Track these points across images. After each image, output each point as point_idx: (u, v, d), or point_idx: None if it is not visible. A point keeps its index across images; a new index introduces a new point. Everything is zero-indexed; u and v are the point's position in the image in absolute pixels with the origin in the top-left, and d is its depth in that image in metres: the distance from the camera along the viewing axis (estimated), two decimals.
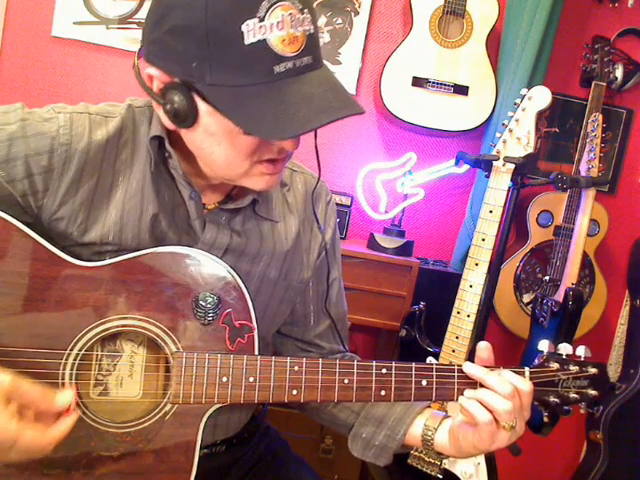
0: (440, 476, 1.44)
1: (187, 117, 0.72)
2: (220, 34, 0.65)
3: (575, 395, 0.86)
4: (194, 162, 0.82)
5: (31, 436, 0.64)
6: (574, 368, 0.86)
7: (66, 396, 0.68)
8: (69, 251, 0.78)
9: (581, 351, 0.88)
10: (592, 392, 0.87)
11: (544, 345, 0.88)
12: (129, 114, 0.83)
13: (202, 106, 0.71)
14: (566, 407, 0.87)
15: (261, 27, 0.65)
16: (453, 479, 1.49)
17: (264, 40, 0.66)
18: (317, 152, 0.87)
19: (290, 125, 0.67)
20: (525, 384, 0.80)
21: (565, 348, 0.88)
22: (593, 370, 0.87)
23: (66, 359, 0.74)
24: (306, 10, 0.69)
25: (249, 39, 0.65)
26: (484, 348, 0.85)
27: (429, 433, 0.88)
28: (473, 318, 1.52)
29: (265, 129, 0.67)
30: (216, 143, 0.74)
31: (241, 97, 0.68)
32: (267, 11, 0.65)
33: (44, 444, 0.65)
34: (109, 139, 0.81)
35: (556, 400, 0.85)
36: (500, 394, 0.77)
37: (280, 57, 0.67)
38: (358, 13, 2.11)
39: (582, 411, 0.89)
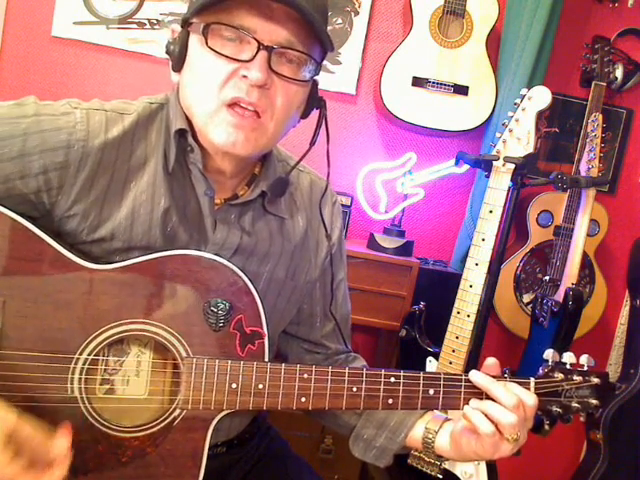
0: (440, 476, 1.44)
1: (181, 57, 0.79)
2: None
3: (577, 405, 0.87)
4: (207, 157, 0.83)
5: None
6: (578, 378, 0.87)
7: (61, 445, 0.68)
8: (78, 249, 0.77)
9: (584, 360, 0.89)
10: (593, 401, 0.88)
11: (549, 355, 0.88)
12: (145, 111, 0.83)
13: (191, 40, 0.78)
14: (567, 416, 0.87)
15: None
16: (453, 479, 1.49)
17: None
18: (328, 158, 0.88)
19: None
20: (530, 397, 0.80)
21: (569, 357, 0.89)
22: (596, 380, 0.88)
23: (75, 364, 0.73)
24: None
25: None
26: (492, 364, 0.85)
27: (430, 436, 0.88)
28: (473, 318, 1.52)
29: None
30: (195, 79, 0.78)
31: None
32: None
33: None
34: (125, 135, 0.80)
35: (559, 410, 0.86)
36: (505, 406, 0.77)
37: None
38: (358, 13, 2.11)
39: (582, 419, 0.90)
